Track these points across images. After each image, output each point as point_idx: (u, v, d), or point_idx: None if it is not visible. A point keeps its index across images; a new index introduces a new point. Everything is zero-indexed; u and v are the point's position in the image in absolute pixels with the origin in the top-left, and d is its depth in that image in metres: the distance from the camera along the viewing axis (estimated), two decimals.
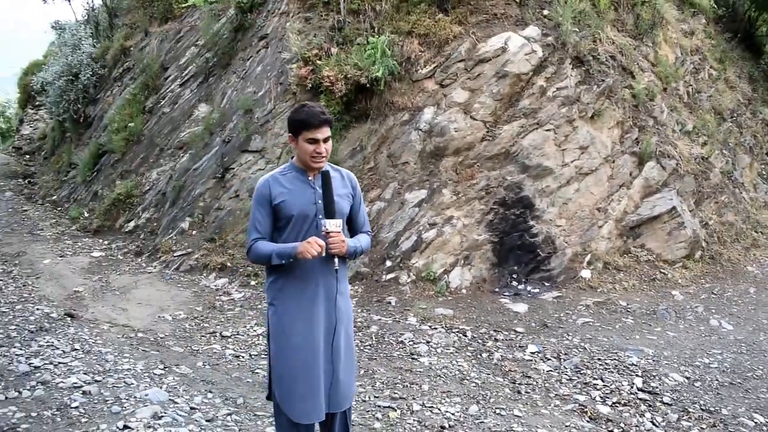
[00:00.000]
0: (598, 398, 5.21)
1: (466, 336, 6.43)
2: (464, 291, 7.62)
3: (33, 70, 23.85)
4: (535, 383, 5.46)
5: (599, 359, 5.93)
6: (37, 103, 23.81)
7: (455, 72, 8.58)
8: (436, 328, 6.60)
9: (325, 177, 3.18)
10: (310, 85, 8.91)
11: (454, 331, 6.54)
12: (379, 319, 6.87)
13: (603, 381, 5.50)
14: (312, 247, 3.07)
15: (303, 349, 3.21)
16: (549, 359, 5.93)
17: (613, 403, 5.13)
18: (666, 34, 11.25)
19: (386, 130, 8.64)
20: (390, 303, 7.32)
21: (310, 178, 3.27)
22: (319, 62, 8.88)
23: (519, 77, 8.43)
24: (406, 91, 8.71)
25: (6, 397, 4.64)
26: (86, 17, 18.79)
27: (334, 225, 3.15)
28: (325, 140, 3.20)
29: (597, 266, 8.16)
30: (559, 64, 8.67)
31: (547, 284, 7.77)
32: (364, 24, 9.25)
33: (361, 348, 6.14)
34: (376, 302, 7.39)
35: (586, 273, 7.99)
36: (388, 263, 7.89)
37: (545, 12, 9.24)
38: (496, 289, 7.69)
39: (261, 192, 3.27)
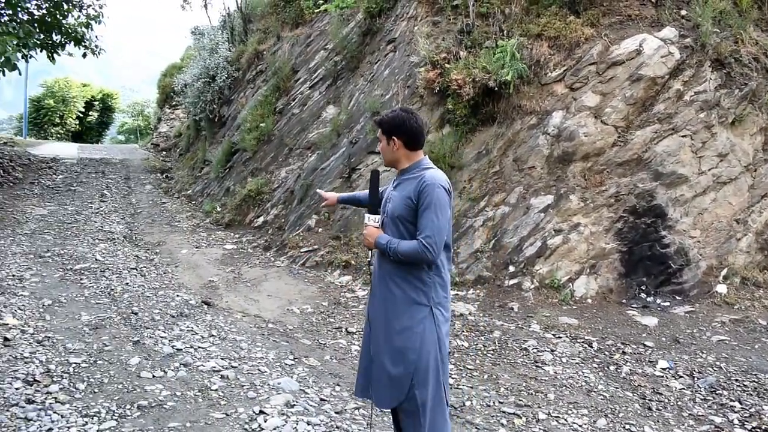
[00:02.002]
0: (736, 421, 4.94)
1: (591, 347, 6.27)
2: (589, 300, 7.43)
3: (172, 73, 25.49)
4: (666, 401, 5.25)
5: (737, 380, 5.61)
6: (174, 103, 25.41)
7: (586, 75, 8.37)
8: (560, 337, 6.48)
9: (372, 176, 3.54)
10: (437, 89, 9.00)
11: (579, 341, 6.40)
12: (502, 325, 6.84)
13: (741, 404, 5.20)
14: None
15: (364, 331, 3.56)
16: (681, 377, 5.68)
17: (753, 427, 4.84)
18: None
19: (513, 133, 8.58)
20: (512, 309, 7.26)
21: (394, 178, 3.55)
22: (447, 66, 8.95)
23: (654, 81, 8.10)
24: (534, 94, 8.60)
25: (153, 376, 5.04)
26: (222, 23, 19.89)
27: (369, 220, 3.46)
28: (378, 140, 3.52)
29: (734, 281, 7.70)
30: (697, 67, 8.25)
31: (678, 298, 7.42)
32: (493, 27, 9.23)
33: (484, 353, 6.15)
34: (498, 307, 7.35)
35: (721, 288, 7.56)
36: (512, 268, 7.83)
37: (683, 12, 8.82)
38: (623, 301, 7.44)
39: None
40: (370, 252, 3.48)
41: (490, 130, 8.79)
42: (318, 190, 4.31)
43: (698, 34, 8.39)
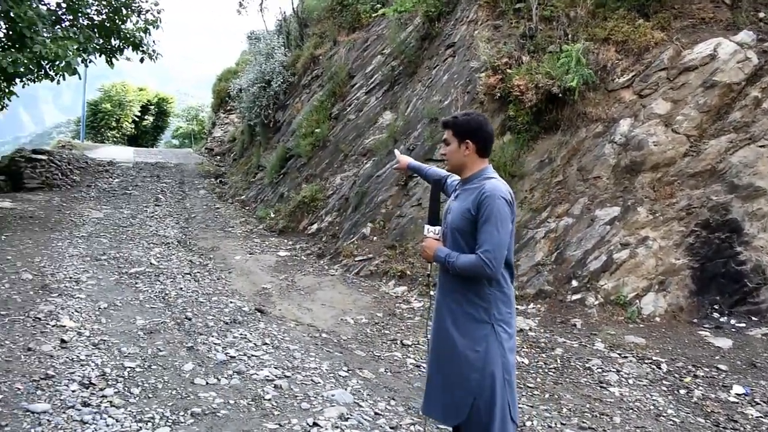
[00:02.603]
0: None
1: (660, 368, 6.09)
2: (658, 319, 7.22)
3: (227, 77, 26.04)
4: (742, 429, 5.05)
5: None
6: (228, 108, 25.94)
7: (656, 81, 8.19)
8: (626, 357, 6.32)
9: (433, 185, 3.56)
10: (498, 95, 8.95)
11: (646, 361, 6.23)
12: (564, 342, 6.72)
13: None
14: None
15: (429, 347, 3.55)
16: (758, 404, 5.46)
17: None
18: None
19: (577, 142, 8.45)
20: (575, 325, 7.13)
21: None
22: (509, 71, 8.89)
23: (730, 87, 7.85)
24: (600, 101, 8.45)
25: (207, 383, 5.15)
26: (278, 27, 20.23)
27: (428, 231, 3.43)
28: (445, 142, 3.45)
29: None
30: None
31: (755, 319, 7.13)
32: (557, 31, 9.12)
33: (545, 371, 6.05)
34: (560, 323, 7.23)
35: None
36: (574, 283, 7.69)
37: (761, 14, 8.52)
38: (695, 320, 7.20)
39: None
40: (429, 265, 3.44)
41: (554, 138, 8.68)
42: (395, 150, 4.26)
43: None
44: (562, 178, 8.42)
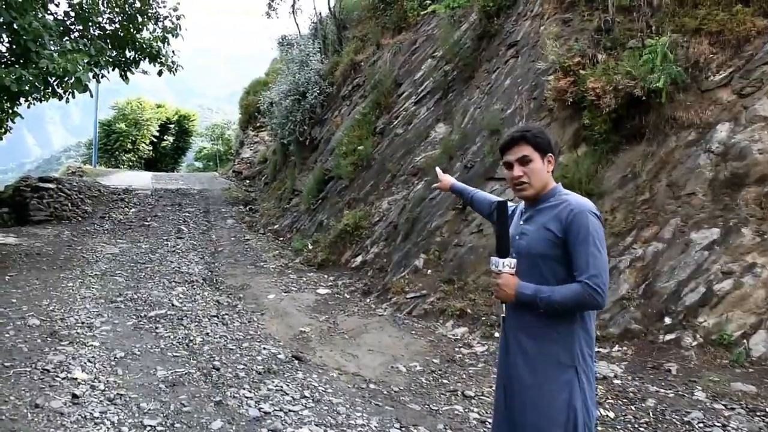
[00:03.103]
0: None
1: None
2: None
3: (256, 90, 26.61)
4: None
5: None
6: (258, 124, 26.48)
7: (760, 78, 8.09)
8: (733, 408, 6.19)
9: (498, 207, 3.33)
10: (570, 100, 8.98)
11: (758, 414, 6.08)
12: (657, 391, 6.62)
13: None
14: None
15: (494, 406, 3.50)
16: None
17: None
18: None
19: (666, 152, 8.39)
20: (670, 371, 7.01)
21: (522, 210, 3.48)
22: (582, 72, 8.91)
23: None
24: (692, 103, 8.40)
25: None
26: (313, 31, 20.65)
27: (501, 265, 3.27)
28: (522, 161, 3.30)
29: None
30: None
31: None
32: (639, 23, 9.12)
33: (636, 426, 5.97)
34: (652, 369, 7.12)
35: None
36: (667, 320, 7.58)
37: None
38: None
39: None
40: (504, 306, 3.30)
41: (637, 149, 8.65)
42: (437, 168, 4.32)
43: None
44: (649, 196, 8.36)
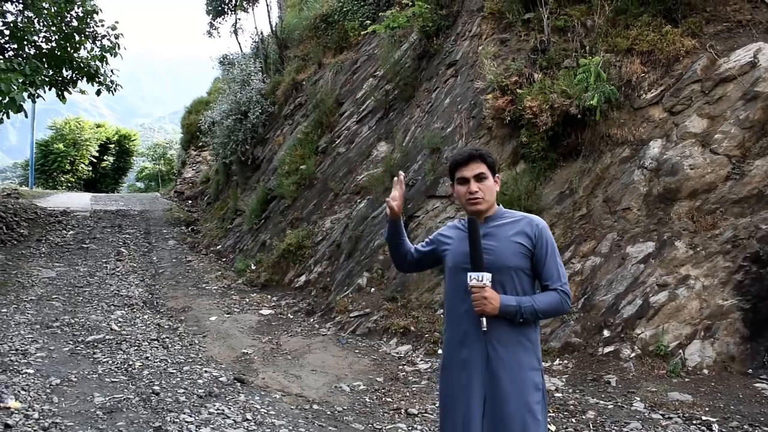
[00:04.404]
0: None
1: (711, 429, 6.08)
2: (705, 371, 7.23)
3: (197, 109, 26.39)
4: None
5: None
6: (200, 144, 26.23)
7: (689, 95, 8.33)
8: (671, 418, 6.31)
9: (471, 224, 3.39)
10: (508, 118, 9.10)
11: (695, 422, 6.22)
12: (597, 403, 6.72)
13: None
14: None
15: (453, 423, 3.42)
16: None
17: None
18: None
19: (602, 169, 8.56)
20: (609, 383, 7.13)
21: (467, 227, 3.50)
22: (519, 91, 9.06)
23: None
24: (626, 121, 8.60)
25: None
26: (255, 50, 20.59)
27: (482, 278, 3.31)
28: (478, 178, 3.44)
29: None
30: None
31: None
32: (573, 43, 9.31)
33: None
34: (592, 381, 7.23)
35: None
36: (606, 333, 7.72)
37: None
38: (749, 370, 7.21)
39: (439, 232, 3.78)
40: (484, 319, 3.31)
41: (574, 166, 8.81)
42: (400, 173, 3.88)
43: None
44: (587, 212, 8.51)
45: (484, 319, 3.30)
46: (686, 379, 7.10)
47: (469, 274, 3.33)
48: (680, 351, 7.40)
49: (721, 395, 6.74)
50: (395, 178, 3.74)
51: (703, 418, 6.30)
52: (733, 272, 7.59)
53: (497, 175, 3.55)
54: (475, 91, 10.18)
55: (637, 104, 8.63)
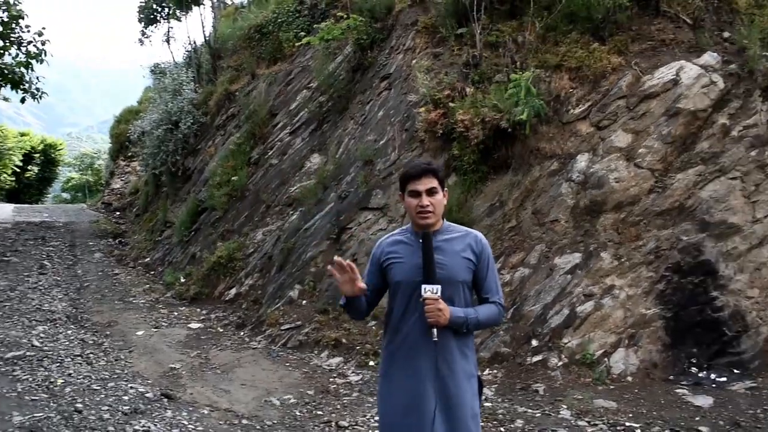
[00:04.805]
0: None
1: None
2: (630, 378, 7.43)
3: (127, 118, 25.93)
4: None
5: None
6: (129, 154, 25.75)
7: (615, 111, 8.59)
8: (596, 425, 6.47)
9: (425, 238, 3.48)
10: (440, 131, 9.21)
11: (619, 428, 6.38)
12: (525, 412, 6.84)
13: None
14: (335, 270, 3.49)
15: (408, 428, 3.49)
16: None
17: None
18: None
19: (531, 181, 8.75)
20: (537, 391, 7.27)
21: (421, 240, 3.55)
22: (451, 104, 9.18)
23: (695, 115, 8.30)
24: (554, 135, 8.80)
25: None
26: (187, 60, 20.36)
27: (430, 291, 3.40)
28: (430, 192, 3.52)
29: None
30: (745, 98, 8.47)
31: (736, 371, 7.42)
32: (504, 59, 9.50)
33: None
34: (520, 390, 7.36)
35: None
36: (534, 342, 7.86)
37: (725, 34, 9.11)
38: (671, 377, 7.45)
39: (373, 254, 3.76)
40: (435, 330, 3.40)
41: (504, 179, 8.97)
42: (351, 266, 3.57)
43: (745, 59, 8.61)
44: (516, 224, 8.67)
45: (435, 330, 3.39)
46: (611, 387, 7.28)
47: (423, 286, 3.41)
48: (605, 359, 7.59)
49: (644, 401, 6.94)
50: (338, 265, 3.52)
51: (627, 424, 6.47)
52: (655, 282, 7.84)
53: (445, 188, 3.63)
54: (409, 104, 10.29)
55: (566, 119, 8.85)
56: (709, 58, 8.64)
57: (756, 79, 8.54)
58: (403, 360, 3.54)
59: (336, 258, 3.52)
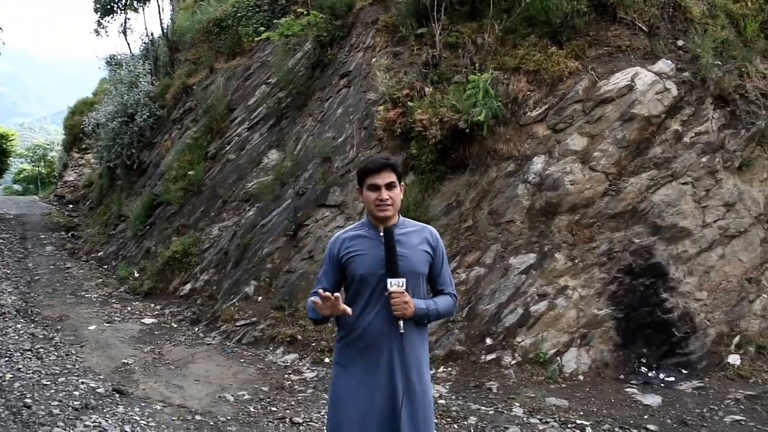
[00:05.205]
0: None
1: None
2: (581, 377, 7.54)
3: (81, 110, 25.44)
4: None
5: None
6: (83, 146, 25.26)
7: (571, 115, 8.69)
8: (548, 422, 6.55)
9: (387, 232, 3.55)
10: (399, 130, 9.22)
11: (569, 426, 6.48)
12: (478, 409, 6.89)
13: None
14: (314, 300, 3.44)
15: (359, 423, 3.54)
16: None
17: None
18: None
19: (488, 182, 8.80)
20: (491, 389, 7.33)
21: (381, 234, 3.61)
22: (410, 104, 9.19)
23: (649, 120, 8.44)
24: (512, 137, 8.87)
25: None
26: (144, 52, 20.05)
27: (396, 284, 3.48)
28: (389, 186, 3.58)
29: (748, 350, 7.90)
30: (697, 105, 8.64)
31: (684, 371, 7.58)
32: (464, 60, 9.55)
33: None
34: (474, 388, 7.41)
35: (734, 358, 7.76)
36: (489, 341, 7.93)
37: (680, 43, 9.27)
38: (621, 376, 7.57)
39: (330, 250, 3.76)
40: (401, 323, 3.48)
41: (461, 179, 9.01)
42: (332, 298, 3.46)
43: (698, 67, 8.77)
44: (472, 223, 8.73)
45: (401, 322, 3.47)
46: (563, 385, 7.38)
47: (389, 280, 3.48)
48: (558, 358, 7.69)
49: (594, 400, 7.05)
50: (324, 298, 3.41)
51: (578, 421, 6.56)
52: (608, 283, 7.96)
53: (402, 183, 3.69)
54: (368, 102, 10.28)
55: (523, 121, 8.92)
56: (664, 65, 8.79)
57: (708, 88, 8.71)
58: (362, 353, 3.57)
59: (321, 292, 3.41)
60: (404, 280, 3.49)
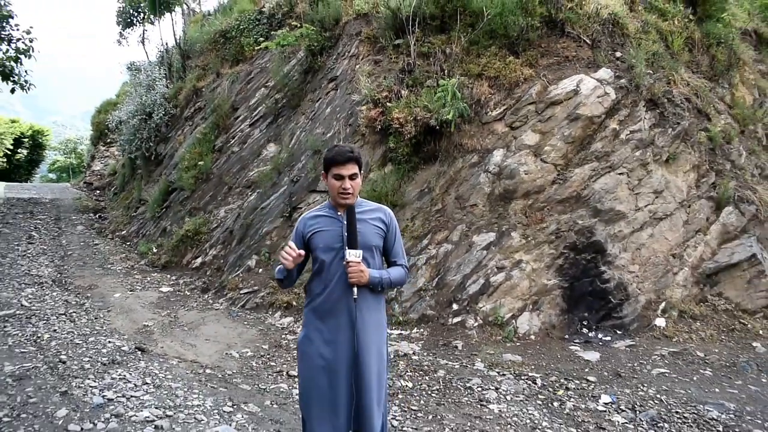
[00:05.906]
0: None
1: (535, 384, 6.37)
2: (533, 337, 7.56)
3: (106, 109, 25.10)
4: None
5: (677, 412, 5.77)
6: (108, 140, 24.95)
7: (525, 114, 8.65)
8: (504, 375, 6.56)
9: (349, 211, 3.52)
10: (379, 127, 9.15)
11: (523, 378, 6.49)
12: (446, 364, 6.88)
13: None
14: (284, 251, 3.49)
15: (323, 374, 3.52)
16: (623, 410, 5.81)
17: None
18: (743, 75, 11.08)
19: (455, 172, 8.76)
20: (456, 347, 7.32)
21: (339, 214, 3.61)
22: (388, 104, 9.12)
23: (591, 120, 8.42)
24: (475, 133, 8.83)
25: (82, 429, 4.86)
26: (160, 59, 19.77)
27: (353, 255, 3.46)
28: (352, 177, 3.55)
29: (672, 315, 7.97)
30: (632, 107, 8.64)
31: (619, 332, 7.62)
32: (434, 67, 9.47)
33: (429, 393, 6.17)
34: (443, 346, 7.40)
35: (660, 321, 7.82)
36: (455, 306, 7.91)
37: (618, 54, 9.25)
38: (566, 336, 7.60)
39: (297, 228, 3.74)
40: (355, 289, 3.47)
41: (432, 169, 8.96)
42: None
43: (633, 75, 8.80)
44: (441, 207, 8.68)
45: (356, 289, 3.45)
46: (517, 344, 7.39)
47: (347, 251, 3.46)
48: (513, 321, 7.69)
49: (544, 356, 7.07)
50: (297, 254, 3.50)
51: (530, 374, 6.58)
52: (555, 258, 7.96)
53: (362, 172, 3.65)
54: (352, 102, 10.17)
55: (485, 120, 8.87)
56: (604, 73, 8.77)
57: (641, 92, 8.73)
58: (325, 315, 3.54)
59: (291, 244, 3.55)
60: (360, 252, 3.48)
